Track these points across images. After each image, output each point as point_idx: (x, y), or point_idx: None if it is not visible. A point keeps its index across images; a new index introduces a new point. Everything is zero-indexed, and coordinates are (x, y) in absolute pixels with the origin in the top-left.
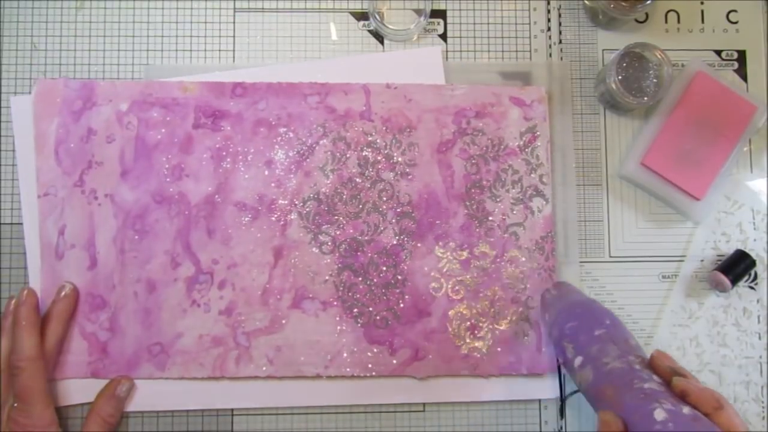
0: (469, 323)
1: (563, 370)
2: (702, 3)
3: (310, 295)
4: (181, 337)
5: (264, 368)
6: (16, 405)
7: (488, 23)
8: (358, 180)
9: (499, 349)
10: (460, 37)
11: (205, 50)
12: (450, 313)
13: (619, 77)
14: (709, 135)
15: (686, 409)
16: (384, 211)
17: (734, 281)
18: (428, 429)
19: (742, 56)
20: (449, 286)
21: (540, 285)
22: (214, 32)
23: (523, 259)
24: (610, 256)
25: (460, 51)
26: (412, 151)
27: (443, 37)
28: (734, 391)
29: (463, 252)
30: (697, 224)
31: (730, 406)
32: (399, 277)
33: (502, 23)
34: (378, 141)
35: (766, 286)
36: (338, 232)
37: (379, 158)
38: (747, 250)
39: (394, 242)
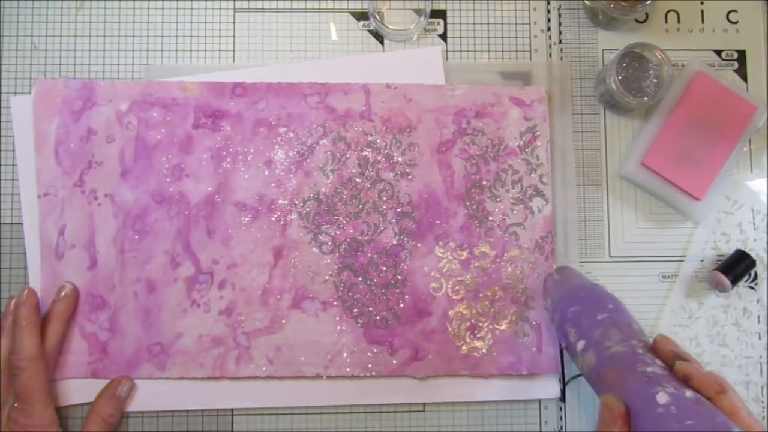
0: (469, 323)
1: (565, 354)
2: (702, 3)
3: (310, 295)
4: (181, 337)
5: (264, 368)
6: (16, 405)
7: (488, 23)
8: (358, 180)
9: (499, 349)
10: (460, 37)
11: (205, 50)
12: (450, 313)
13: (619, 77)
14: (709, 135)
15: (689, 393)
16: (384, 211)
17: (734, 281)
18: (428, 429)
19: (742, 56)
20: (449, 286)
21: (540, 285)
22: (214, 32)
23: (523, 259)
24: (610, 256)
25: (460, 51)
26: (412, 151)
27: (443, 37)
28: None
29: (463, 252)
30: (697, 224)
31: (733, 390)
32: (399, 277)
33: (502, 23)
34: (378, 141)
35: (766, 286)
36: (338, 232)
37: (379, 158)
38: (747, 250)
39: (394, 242)
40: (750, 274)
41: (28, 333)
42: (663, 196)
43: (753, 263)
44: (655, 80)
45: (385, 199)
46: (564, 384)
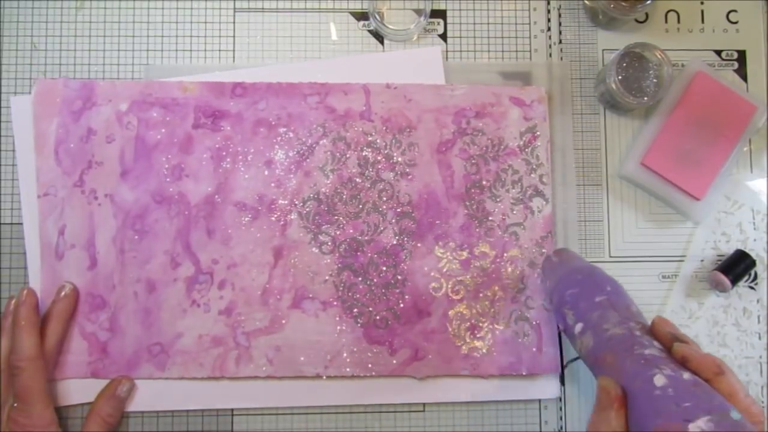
0: (469, 323)
1: (563, 337)
2: (702, 3)
3: (310, 295)
4: (181, 337)
5: (264, 368)
6: (15, 405)
7: (488, 23)
8: (358, 180)
9: (499, 349)
10: (460, 37)
11: (205, 50)
12: (450, 313)
13: (619, 77)
14: (709, 135)
15: (686, 375)
16: (384, 211)
17: (734, 281)
18: (428, 429)
19: (742, 56)
20: (449, 286)
21: (540, 285)
22: (214, 32)
23: (523, 259)
24: (610, 256)
25: (460, 51)
26: (411, 151)
27: (443, 37)
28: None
29: (463, 252)
30: (697, 224)
31: (731, 372)
32: (399, 277)
33: (502, 23)
34: (378, 141)
35: (766, 286)
36: (338, 232)
37: (378, 158)
38: (747, 250)
39: (394, 242)
40: (750, 274)
41: (27, 333)
42: (663, 196)
43: (753, 263)
44: (655, 80)
45: (385, 199)
46: (563, 367)
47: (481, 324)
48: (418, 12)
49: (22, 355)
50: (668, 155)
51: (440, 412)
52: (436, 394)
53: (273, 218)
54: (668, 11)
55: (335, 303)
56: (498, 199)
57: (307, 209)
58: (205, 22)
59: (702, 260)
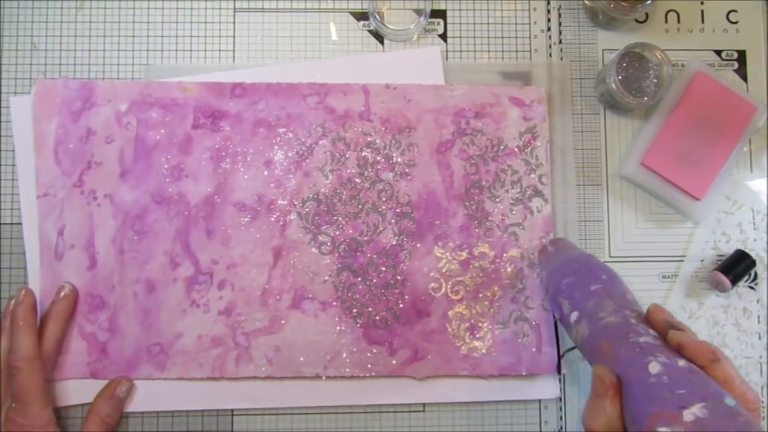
0: (468, 323)
1: (559, 326)
2: (702, 3)
3: (310, 296)
4: (181, 337)
5: (263, 368)
6: (13, 405)
7: (488, 23)
8: (357, 180)
9: (498, 349)
10: (460, 37)
11: (205, 50)
12: (449, 313)
13: (619, 77)
14: (709, 135)
15: (682, 362)
16: (383, 212)
17: (734, 281)
18: (428, 429)
19: (742, 56)
20: (449, 286)
21: (539, 285)
22: (214, 32)
23: (523, 259)
24: (610, 256)
25: (460, 51)
26: (411, 151)
27: (443, 37)
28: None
29: (462, 252)
30: (697, 224)
31: (727, 359)
32: (398, 278)
33: (502, 23)
34: (377, 141)
35: (766, 286)
36: (337, 233)
37: (378, 158)
38: (747, 250)
39: (394, 242)
40: (750, 274)
41: (24, 333)
42: (663, 196)
43: (753, 263)
44: (655, 80)
45: (384, 199)
46: (559, 357)
47: (480, 324)
48: (418, 12)
49: (20, 355)
50: (668, 155)
51: (440, 412)
52: (435, 394)
53: (272, 218)
54: (668, 11)
55: (335, 303)
56: (497, 200)
57: (307, 209)
58: (205, 22)
59: (702, 260)
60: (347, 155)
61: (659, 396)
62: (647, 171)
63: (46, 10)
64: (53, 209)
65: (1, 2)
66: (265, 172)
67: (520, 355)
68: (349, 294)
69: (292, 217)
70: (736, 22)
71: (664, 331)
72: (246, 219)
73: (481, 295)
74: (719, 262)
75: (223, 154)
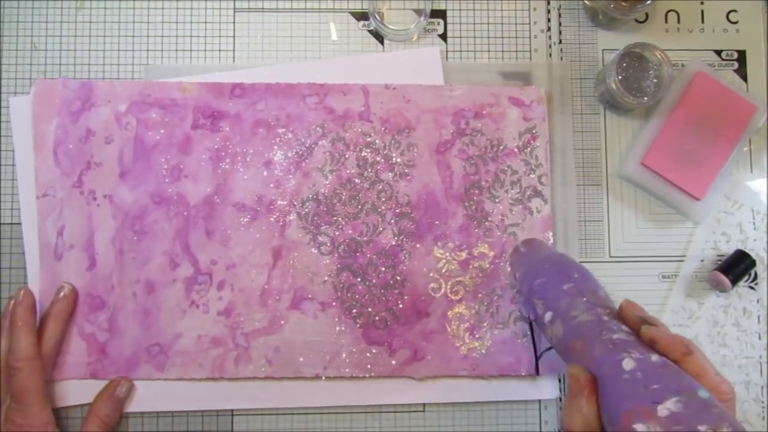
0: (468, 324)
1: (535, 327)
2: (702, 3)
3: (309, 296)
4: (180, 337)
5: (263, 369)
6: (12, 405)
7: (488, 23)
8: (356, 181)
9: (498, 349)
10: (460, 37)
11: (205, 50)
12: (449, 313)
13: (619, 77)
14: (709, 135)
15: (655, 357)
16: (383, 212)
17: (734, 281)
18: (428, 429)
19: (742, 56)
20: (448, 286)
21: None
22: (214, 32)
23: None
24: (610, 256)
25: (460, 51)
26: (410, 151)
27: (443, 37)
28: (734, 391)
29: (462, 252)
30: (697, 224)
31: (700, 351)
32: (398, 278)
33: (502, 23)
34: (377, 141)
35: (766, 286)
36: (337, 233)
37: (377, 159)
38: (747, 250)
39: (393, 243)
40: (750, 274)
41: (24, 333)
42: (663, 196)
43: (753, 263)
44: (655, 80)
45: (384, 199)
46: (537, 358)
47: (480, 325)
48: (418, 12)
49: (19, 355)
50: (668, 155)
51: (440, 412)
52: (435, 394)
53: (272, 219)
54: (668, 11)
55: (334, 304)
56: (497, 200)
57: (306, 210)
58: (205, 22)
59: (702, 260)
60: (347, 155)
61: (634, 392)
62: (647, 171)
63: (46, 10)
64: (53, 209)
65: (1, 2)
66: (265, 173)
67: (519, 355)
68: (349, 294)
69: (291, 218)
70: (736, 22)
71: (637, 326)
72: (245, 219)
73: (480, 296)
74: (719, 262)
75: (223, 154)
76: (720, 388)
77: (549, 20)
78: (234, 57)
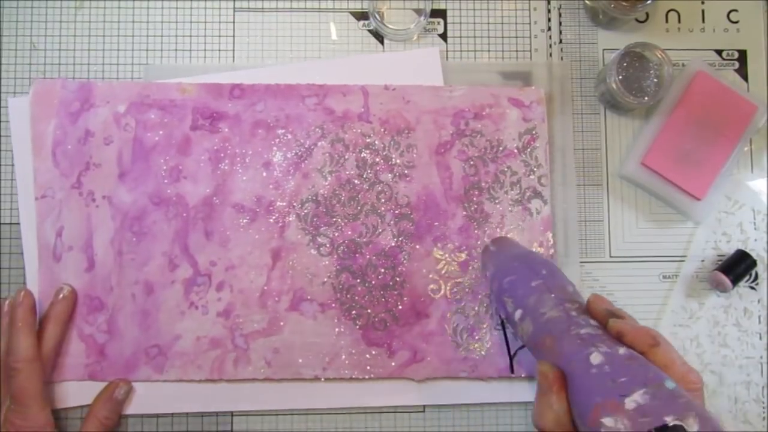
0: (467, 325)
1: (507, 326)
2: (702, 3)
3: (309, 297)
4: (179, 339)
5: (262, 370)
6: (12, 406)
7: (488, 23)
8: (356, 182)
9: (497, 351)
10: (460, 37)
11: (205, 50)
12: (448, 314)
13: (620, 77)
14: (709, 135)
15: (622, 350)
16: (382, 213)
17: (735, 281)
18: (428, 430)
19: (742, 56)
20: (448, 287)
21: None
22: (214, 32)
23: None
24: (611, 256)
25: (460, 51)
26: (410, 152)
27: (443, 36)
28: (735, 391)
29: (461, 254)
30: (698, 224)
31: (667, 342)
32: (397, 279)
33: (502, 23)
34: (376, 142)
35: (767, 286)
36: (336, 234)
37: (377, 160)
38: (748, 250)
39: (393, 244)
40: (751, 274)
41: (24, 334)
42: (663, 196)
43: (754, 263)
44: (655, 80)
45: (383, 200)
46: (510, 357)
47: (479, 326)
48: (418, 12)
49: (19, 356)
50: (669, 155)
51: (440, 413)
52: (434, 396)
53: (271, 220)
54: (669, 11)
55: (333, 305)
56: (496, 201)
57: (306, 211)
58: (205, 22)
59: (702, 260)
60: (346, 156)
61: (602, 386)
62: (647, 171)
63: (46, 10)
64: (51, 210)
65: (0, 2)
66: (264, 174)
67: (519, 356)
68: (348, 295)
69: (290, 219)
70: (736, 22)
71: (605, 320)
72: (245, 220)
73: (480, 297)
74: (720, 262)
75: (222, 155)
76: (688, 378)
77: (549, 20)
78: (234, 57)
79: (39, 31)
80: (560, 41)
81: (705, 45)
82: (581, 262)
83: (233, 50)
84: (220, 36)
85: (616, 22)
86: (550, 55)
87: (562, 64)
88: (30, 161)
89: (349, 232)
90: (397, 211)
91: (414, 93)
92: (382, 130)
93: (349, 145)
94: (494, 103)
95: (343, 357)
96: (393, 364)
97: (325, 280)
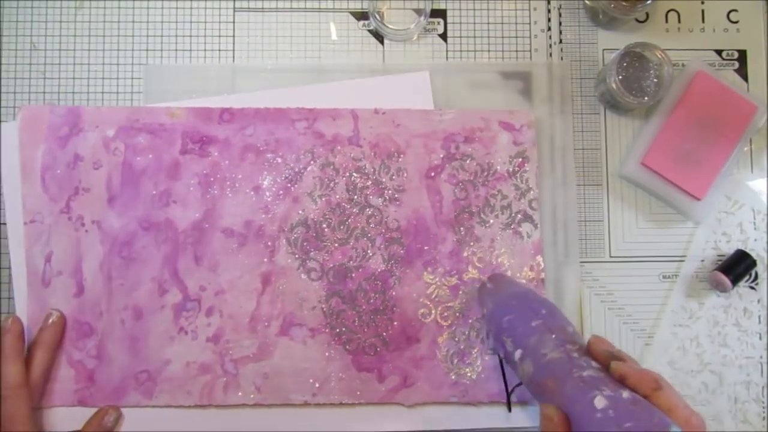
0: (458, 349)
1: (505, 364)
2: (702, 3)
3: (298, 322)
4: (169, 364)
5: (252, 396)
6: None
7: (488, 23)
8: (346, 206)
9: (488, 375)
10: (460, 37)
11: (205, 50)
12: (439, 339)
13: (620, 77)
14: (709, 135)
15: (626, 394)
16: (372, 237)
17: (735, 281)
18: None
19: (742, 56)
20: (438, 312)
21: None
22: (214, 32)
23: None
24: (611, 256)
25: (460, 51)
26: (400, 176)
27: (443, 36)
28: (735, 391)
29: (452, 278)
30: (698, 224)
31: (669, 386)
32: (388, 303)
33: (502, 23)
34: (366, 166)
35: (767, 286)
36: (326, 258)
37: (367, 184)
38: (747, 250)
39: (383, 268)
40: (750, 274)
41: (11, 361)
42: (663, 196)
43: (753, 263)
44: (655, 80)
45: (373, 224)
46: (508, 394)
47: (470, 350)
48: (418, 12)
49: (6, 383)
50: (668, 155)
51: None
52: (425, 421)
53: (261, 244)
54: (669, 11)
55: (324, 330)
56: (487, 225)
57: (295, 235)
58: (205, 22)
59: (702, 260)
60: (336, 180)
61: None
62: (647, 171)
63: (46, 10)
64: (40, 236)
65: (1, 2)
66: (254, 198)
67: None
68: (338, 320)
69: (280, 243)
70: (736, 22)
71: (606, 361)
72: (234, 245)
73: (471, 321)
74: (720, 262)
75: (212, 179)
76: (691, 422)
77: (549, 20)
78: (234, 57)
79: (39, 31)
80: (560, 41)
81: (705, 45)
82: (581, 262)
83: (233, 50)
84: (220, 36)
85: (616, 22)
86: (550, 55)
87: (562, 64)
88: (18, 186)
89: (339, 257)
90: (387, 235)
91: (404, 117)
92: (372, 153)
93: (339, 169)
94: (485, 127)
95: (333, 382)
96: (383, 389)
97: (315, 304)
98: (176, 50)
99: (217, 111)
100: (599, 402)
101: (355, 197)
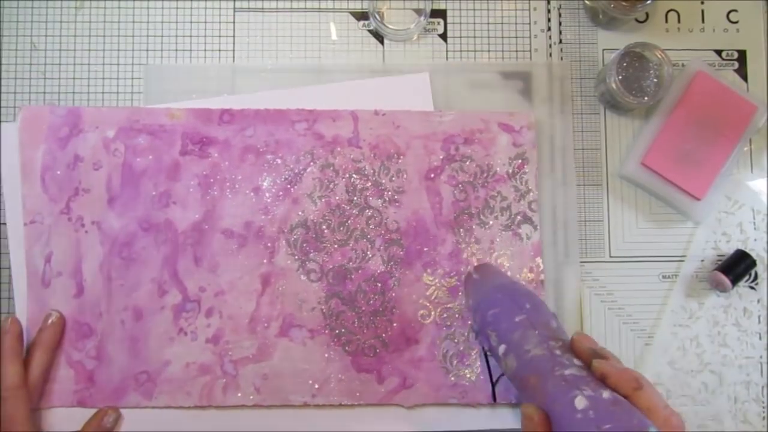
0: (457, 351)
1: (489, 357)
2: (702, 3)
3: (298, 323)
4: (168, 365)
5: (251, 397)
6: None
7: (488, 23)
8: (346, 207)
9: (487, 377)
10: (460, 37)
11: (205, 50)
12: (438, 340)
13: (620, 77)
14: (709, 135)
15: (606, 394)
16: (372, 238)
17: (735, 281)
18: None
19: (742, 56)
20: (437, 313)
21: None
22: (214, 32)
23: None
24: (611, 256)
25: (460, 51)
26: (400, 177)
27: (443, 36)
28: (734, 391)
29: (451, 279)
30: (698, 224)
31: (650, 385)
32: (387, 305)
33: (502, 23)
34: (366, 168)
35: (767, 286)
36: (326, 260)
37: (367, 185)
38: (747, 250)
39: (382, 269)
40: (750, 274)
41: (10, 362)
42: (663, 196)
43: (753, 263)
44: (655, 80)
45: (373, 226)
46: (493, 385)
47: (469, 352)
48: (418, 12)
49: (5, 384)
50: (668, 155)
51: None
52: (424, 422)
53: (261, 246)
54: (668, 11)
55: (323, 331)
56: (486, 226)
57: (295, 236)
58: (205, 22)
59: (702, 260)
60: (336, 182)
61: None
62: (647, 171)
63: (46, 10)
64: (40, 236)
65: (1, 2)
66: (254, 199)
67: (509, 383)
68: (338, 321)
69: (280, 244)
70: (736, 22)
71: (589, 359)
72: (234, 246)
73: (470, 322)
74: (719, 262)
75: (211, 180)
76: (670, 422)
77: (549, 20)
78: (234, 57)
79: (39, 31)
80: (560, 41)
81: (705, 45)
82: (581, 262)
83: (233, 50)
84: (220, 36)
85: (616, 22)
86: (550, 55)
87: (562, 64)
88: (18, 187)
89: (339, 258)
90: (386, 237)
91: (404, 118)
92: (372, 155)
93: (338, 170)
94: (484, 128)
95: (333, 383)
96: (382, 390)
97: (315, 305)
98: (176, 50)
99: (217, 112)
100: (579, 402)
101: (355, 198)
